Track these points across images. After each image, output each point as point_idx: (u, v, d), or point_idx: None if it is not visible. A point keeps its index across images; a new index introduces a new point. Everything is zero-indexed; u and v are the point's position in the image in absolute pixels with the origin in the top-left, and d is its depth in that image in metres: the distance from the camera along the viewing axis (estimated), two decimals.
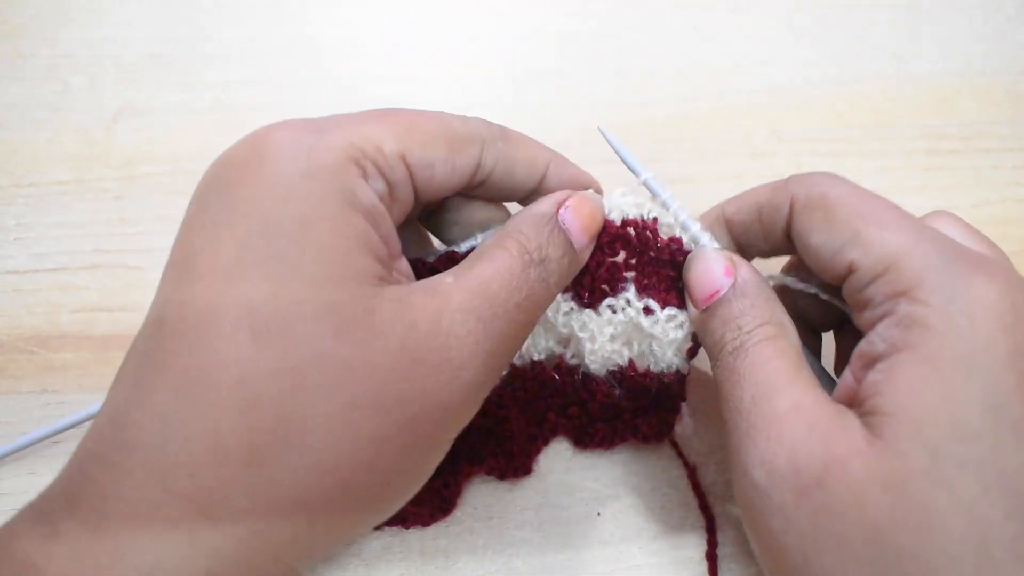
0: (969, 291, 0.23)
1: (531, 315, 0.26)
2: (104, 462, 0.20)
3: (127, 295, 0.37)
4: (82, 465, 0.21)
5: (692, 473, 0.34)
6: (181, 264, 0.22)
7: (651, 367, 0.32)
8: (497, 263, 0.25)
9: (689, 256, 0.30)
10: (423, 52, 0.45)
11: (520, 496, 0.34)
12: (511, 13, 0.46)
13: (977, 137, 0.44)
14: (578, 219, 0.28)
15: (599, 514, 0.34)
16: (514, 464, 0.32)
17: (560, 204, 0.28)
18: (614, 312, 0.31)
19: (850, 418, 0.24)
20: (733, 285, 0.28)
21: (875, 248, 0.25)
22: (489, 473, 0.32)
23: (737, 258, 0.29)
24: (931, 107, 0.45)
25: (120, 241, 0.38)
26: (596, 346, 0.31)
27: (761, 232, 0.29)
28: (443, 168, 0.26)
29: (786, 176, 0.42)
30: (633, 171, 0.31)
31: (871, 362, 0.24)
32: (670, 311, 0.30)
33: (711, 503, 0.34)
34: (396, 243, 0.25)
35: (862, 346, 0.25)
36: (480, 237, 0.29)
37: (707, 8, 0.47)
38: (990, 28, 0.48)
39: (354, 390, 0.21)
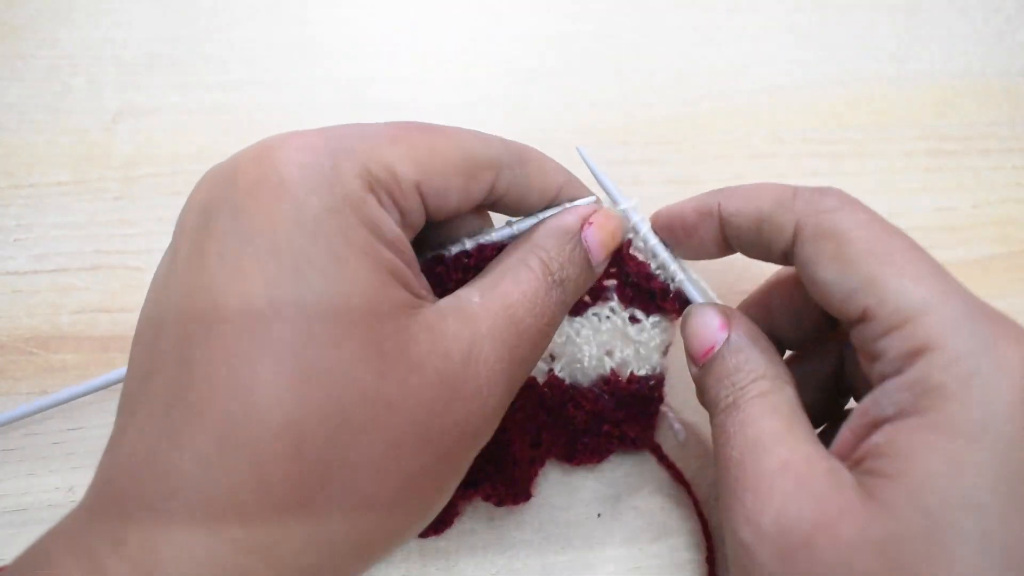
0: (993, 360, 0.21)
1: (548, 339, 0.26)
2: (146, 505, 0.19)
3: (127, 296, 0.37)
4: (120, 502, 0.20)
5: (679, 477, 0.34)
6: (202, 297, 0.21)
7: (635, 371, 0.33)
8: (523, 285, 0.25)
9: (685, 312, 0.30)
10: (423, 52, 0.45)
11: None
12: (511, 13, 0.46)
13: (977, 138, 0.44)
14: (600, 235, 0.28)
15: (600, 515, 0.34)
16: (514, 490, 0.32)
17: (585, 220, 0.28)
18: (600, 321, 0.32)
19: (844, 476, 0.23)
20: (727, 340, 0.27)
21: (893, 298, 0.23)
22: (487, 499, 0.32)
23: (732, 311, 0.29)
24: (931, 108, 0.45)
25: (120, 242, 0.38)
26: (593, 350, 0.32)
27: (758, 244, 0.28)
28: (457, 195, 0.25)
29: (787, 177, 0.42)
30: (612, 197, 0.31)
31: (876, 423, 0.23)
32: (654, 318, 0.32)
33: (709, 507, 0.34)
34: (416, 265, 0.24)
35: (867, 405, 0.24)
36: (468, 243, 0.28)
37: (707, 9, 0.47)
38: (990, 29, 0.48)
39: (397, 428, 0.21)
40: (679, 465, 0.35)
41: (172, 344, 0.21)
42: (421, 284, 0.24)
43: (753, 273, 0.40)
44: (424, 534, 0.32)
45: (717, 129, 0.43)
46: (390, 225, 0.23)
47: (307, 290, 0.20)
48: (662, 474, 0.35)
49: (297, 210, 0.21)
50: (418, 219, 0.25)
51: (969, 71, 0.46)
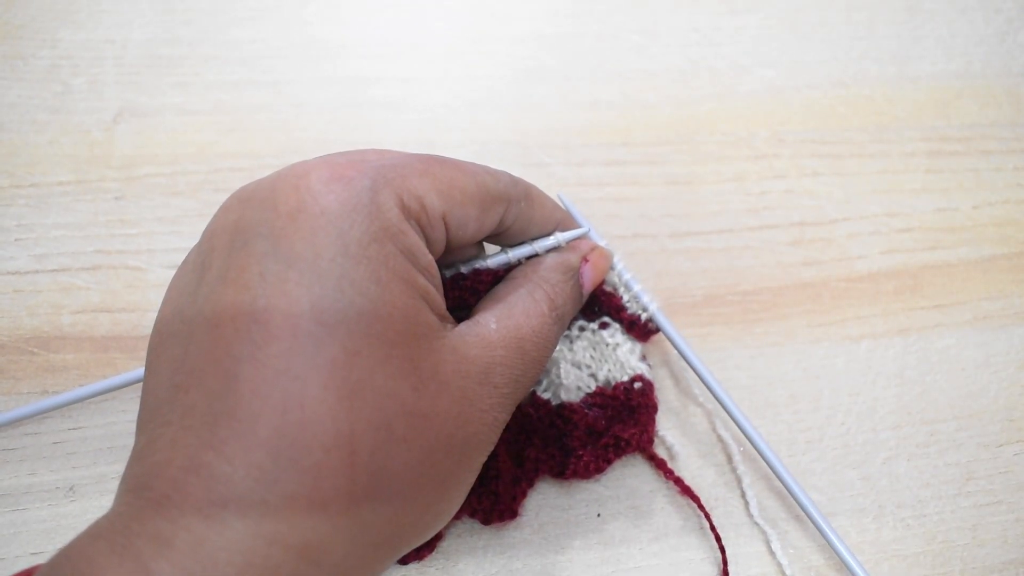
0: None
1: (544, 367, 0.29)
2: (195, 510, 0.20)
3: (128, 296, 0.37)
4: (163, 506, 0.20)
5: (688, 491, 0.34)
6: (243, 315, 0.21)
7: (619, 380, 0.34)
8: (533, 320, 0.28)
9: None
10: (423, 52, 0.45)
11: None
12: (512, 14, 0.46)
13: (978, 139, 0.44)
14: (593, 274, 0.31)
15: (599, 515, 0.34)
16: (500, 507, 0.32)
17: (583, 257, 0.31)
18: (572, 341, 0.34)
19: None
20: None
21: None
22: (472, 516, 0.32)
23: None
24: (932, 109, 0.45)
25: (121, 242, 0.38)
26: (571, 368, 0.34)
27: None
28: (474, 226, 0.27)
29: (788, 178, 0.42)
30: (591, 239, 0.33)
31: None
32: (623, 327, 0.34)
33: (718, 510, 0.34)
34: (442, 289, 0.26)
35: None
36: (463, 268, 0.30)
37: (708, 10, 0.47)
38: (991, 30, 0.48)
39: (430, 438, 0.23)
40: (679, 472, 0.35)
41: (209, 359, 0.21)
42: (444, 306, 0.26)
43: (754, 273, 0.40)
44: (405, 560, 0.32)
45: (718, 130, 0.43)
46: (423, 252, 0.25)
47: (352, 310, 0.22)
48: (661, 474, 0.35)
49: (340, 238, 0.22)
50: (440, 248, 0.26)
51: (970, 72, 0.46)
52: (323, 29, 0.45)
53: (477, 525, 0.33)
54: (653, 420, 0.34)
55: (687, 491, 0.34)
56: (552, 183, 0.41)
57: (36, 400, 0.34)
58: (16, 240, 0.38)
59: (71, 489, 0.33)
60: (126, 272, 0.37)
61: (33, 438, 0.34)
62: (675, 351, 0.35)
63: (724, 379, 0.37)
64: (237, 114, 0.42)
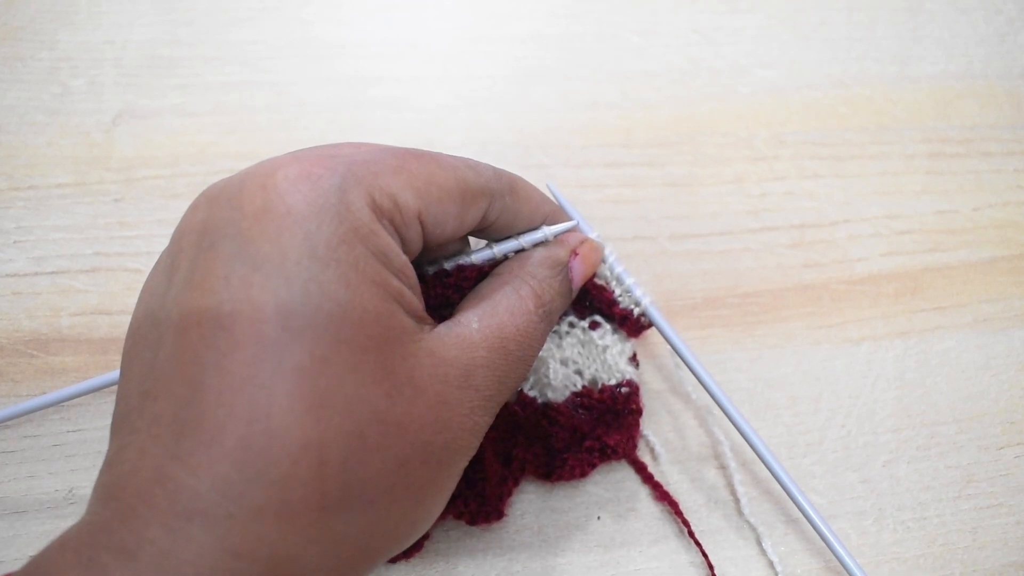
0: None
1: (531, 366, 0.28)
2: (160, 523, 0.19)
3: (127, 298, 0.37)
4: (129, 518, 0.20)
5: (665, 496, 0.34)
6: (208, 321, 0.21)
7: (606, 382, 0.33)
8: (517, 318, 0.27)
9: None
10: (423, 52, 0.45)
11: (520, 500, 0.34)
12: (512, 14, 0.46)
13: (979, 140, 0.44)
14: (583, 268, 0.30)
15: (599, 518, 0.34)
16: (486, 508, 0.31)
17: (572, 251, 0.30)
18: (560, 337, 0.33)
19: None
20: None
21: None
22: (459, 517, 0.32)
23: None
24: (933, 110, 0.45)
25: (120, 244, 0.38)
26: (559, 366, 0.33)
27: None
28: (453, 224, 0.26)
29: (788, 179, 0.42)
30: (581, 231, 0.32)
31: None
32: (615, 324, 0.33)
33: (699, 516, 0.34)
34: (419, 289, 0.25)
35: None
36: (446, 265, 0.29)
37: (708, 10, 0.47)
38: (992, 31, 0.48)
39: (405, 446, 0.22)
40: (664, 478, 0.35)
41: (175, 365, 0.21)
42: (421, 307, 0.25)
43: (754, 275, 0.40)
44: (394, 559, 0.32)
45: (718, 131, 0.43)
46: (397, 253, 0.24)
47: (319, 315, 0.21)
48: (661, 478, 0.35)
49: (307, 240, 0.21)
50: (417, 247, 0.25)
51: (970, 73, 0.46)
52: (323, 29, 0.44)
53: (476, 528, 0.33)
54: (638, 425, 0.34)
55: (664, 496, 0.34)
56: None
57: (34, 398, 0.34)
58: (15, 242, 0.38)
59: (70, 491, 0.33)
60: (125, 274, 0.37)
61: (32, 440, 0.34)
62: (663, 345, 0.35)
63: (724, 381, 0.37)
64: (237, 115, 0.42)
